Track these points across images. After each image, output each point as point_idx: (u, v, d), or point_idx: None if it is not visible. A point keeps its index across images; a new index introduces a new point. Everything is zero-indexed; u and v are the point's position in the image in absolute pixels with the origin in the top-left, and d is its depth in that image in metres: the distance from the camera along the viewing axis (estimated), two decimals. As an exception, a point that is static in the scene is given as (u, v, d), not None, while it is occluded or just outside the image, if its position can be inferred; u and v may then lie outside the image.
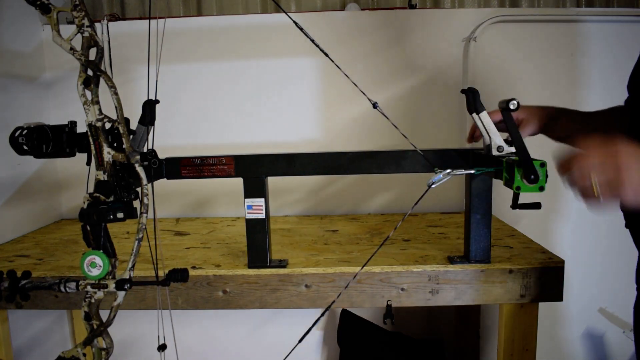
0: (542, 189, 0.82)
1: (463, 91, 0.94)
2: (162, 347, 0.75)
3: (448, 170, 0.83)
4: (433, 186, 0.83)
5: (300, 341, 0.76)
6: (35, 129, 0.73)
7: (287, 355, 0.77)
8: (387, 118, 0.85)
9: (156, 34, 0.76)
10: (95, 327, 0.68)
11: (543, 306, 1.07)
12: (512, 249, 1.16)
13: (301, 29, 0.76)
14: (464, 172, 0.83)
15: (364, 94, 0.84)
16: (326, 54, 0.80)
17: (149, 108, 0.85)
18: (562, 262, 1.05)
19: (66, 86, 1.62)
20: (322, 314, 0.82)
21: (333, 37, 1.59)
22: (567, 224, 1.67)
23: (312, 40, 0.77)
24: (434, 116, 1.62)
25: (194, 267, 1.09)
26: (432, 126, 1.62)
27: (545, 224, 1.66)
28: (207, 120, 1.64)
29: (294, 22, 0.77)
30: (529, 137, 0.98)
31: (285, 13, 0.79)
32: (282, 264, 1.08)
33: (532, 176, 0.81)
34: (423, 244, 1.23)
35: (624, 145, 0.65)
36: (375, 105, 0.84)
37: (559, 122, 0.99)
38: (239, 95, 1.62)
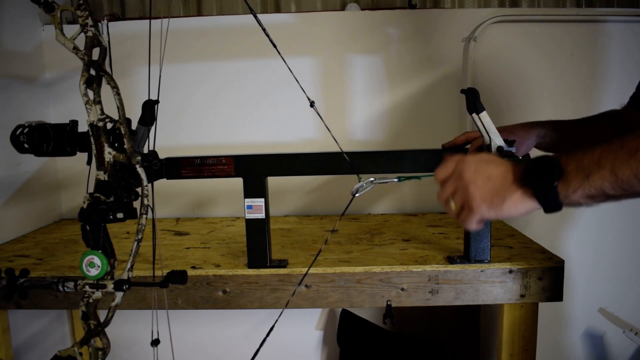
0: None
1: (463, 91, 0.94)
2: (155, 342, 0.76)
3: (371, 179, 0.81)
4: (357, 195, 0.81)
5: (264, 341, 0.76)
6: (37, 127, 0.74)
7: (255, 354, 0.77)
8: (322, 118, 0.86)
9: (160, 33, 0.76)
10: (92, 327, 0.68)
11: (543, 306, 1.07)
12: (512, 249, 1.16)
13: (261, 25, 0.76)
14: (387, 180, 0.81)
15: (303, 91, 0.84)
16: (279, 52, 0.80)
17: (149, 108, 0.85)
18: (562, 262, 1.05)
19: (66, 86, 1.62)
20: (282, 312, 0.81)
21: (333, 37, 1.59)
22: (570, 225, 1.67)
23: (271, 41, 0.78)
24: (434, 116, 1.62)
25: (193, 267, 1.09)
26: (432, 126, 1.62)
27: (549, 224, 1.65)
28: (206, 120, 1.64)
29: (259, 22, 0.78)
30: None
31: (253, 14, 0.78)
32: (282, 264, 1.08)
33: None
34: (423, 244, 1.23)
35: (468, 161, 0.67)
36: (312, 104, 0.83)
37: (546, 139, 1.01)
38: (238, 95, 1.62)
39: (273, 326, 0.77)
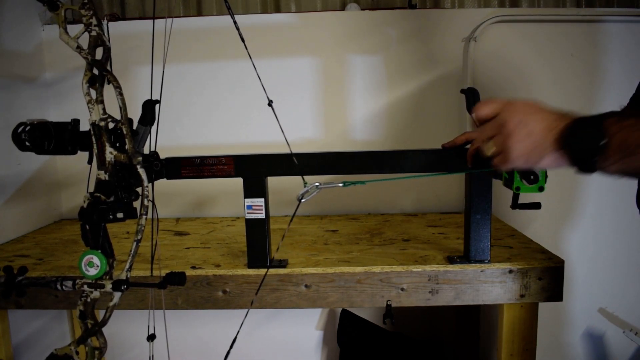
0: (541, 189, 0.82)
1: (463, 91, 0.94)
2: (151, 337, 0.76)
3: (316, 184, 0.82)
4: (303, 200, 0.82)
5: (234, 340, 0.76)
6: (38, 125, 0.74)
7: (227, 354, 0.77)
8: (277, 119, 0.86)
9: (161, 33, 0.76)
10: (90, 326, 0.68)
11: (543, 306, 1.07)
12: (512, 249, 1.16)
13: (236, 26, 0.76)
14: (332, 184, 0.82)
15: (264, 90, 0.84)
16: (251, 58, 0.80)
17: (149, 108, 0.85)
18: (562, 262, 1.05)
19: (66, 86, 1.62)
20: (247, 314, 0.81)
21: (333, 38, 1.59)
22: (570, 225, 1.67)
23: (244, 43, 0.78)
24: (434, 116, 1.62)
25: (193, 267, 1.09)
26: (431, 126, 1.62)
27: (549, 224, 1.65)
28: (206, 120, 1.64)
29: (235, 24, 0.78)
30: None
31: (231, 14, 0.78)
32: (282, 264, 1.08)
33: (532, 176, 0.81)
34: (423, 244, 1.23)
35: (514, 110, 0.67)
36: (270, 103, 0.84)
37: None
38: (238, 95, 1.62)
39: (242, 324, 0.77)
